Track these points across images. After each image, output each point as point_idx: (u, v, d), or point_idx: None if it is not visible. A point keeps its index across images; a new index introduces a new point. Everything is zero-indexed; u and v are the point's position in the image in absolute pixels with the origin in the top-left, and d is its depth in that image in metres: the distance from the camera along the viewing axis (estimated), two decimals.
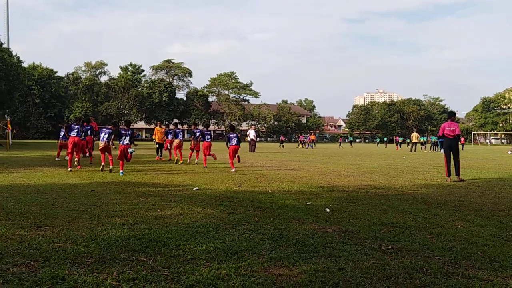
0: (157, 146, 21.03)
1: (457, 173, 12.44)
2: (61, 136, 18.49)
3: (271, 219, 6.43)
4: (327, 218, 6.56)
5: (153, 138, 22.01)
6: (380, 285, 3.75)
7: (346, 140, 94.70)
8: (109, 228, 5.65)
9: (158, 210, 7.02)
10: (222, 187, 10.20)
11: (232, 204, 7.68)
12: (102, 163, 13.82)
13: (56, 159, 19.06)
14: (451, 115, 13.25)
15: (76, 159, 14.56)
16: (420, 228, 5.96)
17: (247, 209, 7.22)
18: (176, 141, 18.19)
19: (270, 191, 9.58)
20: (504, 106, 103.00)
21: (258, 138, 34.61)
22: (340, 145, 63.35)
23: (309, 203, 7.98)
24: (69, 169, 13.86)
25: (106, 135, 13.87)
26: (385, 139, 76.17)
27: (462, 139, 57.47)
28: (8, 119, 37.60)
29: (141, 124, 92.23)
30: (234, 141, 14.75)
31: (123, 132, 13.43)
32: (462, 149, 45.27)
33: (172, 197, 8.52)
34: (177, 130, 19.18)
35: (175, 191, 9.32)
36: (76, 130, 14.54)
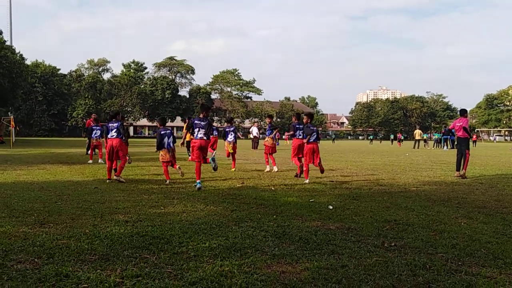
0: (186, 145, 17.40)
1: (458, 168, 12.52)
2: (95, 134, 16.35)
3: (274, 216, 6.43)
4: (330, 215, 6.55)
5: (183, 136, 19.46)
6: (383, 282, 3.74)
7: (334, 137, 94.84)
8: (112, 225, 5.66)
9: (161, 207, 7.03)
10: (225, 184, 10.21)
11: (235, 201, 7.69)
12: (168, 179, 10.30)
13: (100, 160, 16.30)
14: (463, 112, 13.43)
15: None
16: (423, 225, 5.95)
17: (250, 206, 7.22)
18: (226, 144, 14.05)
19: (273, 188, 9.58)
20: (508, 103, 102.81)
21: (260, 135, 34.59)
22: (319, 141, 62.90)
23: (312, 200, 7.98)
24: (107, 180, 10.57)
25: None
26: (380, 136, 75.74)
27: (474, 136, 57.02)
28: (12, 117, 37.71)
29: (144, 121, 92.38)
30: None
31: (196, 122, 9.58)
32: (474, 146, 44.94)
33: (175, 194, 8.53)
34: (227, 129, 14.35)
35: (178, 188, 9.34)
36: (115, 130, 11.39)
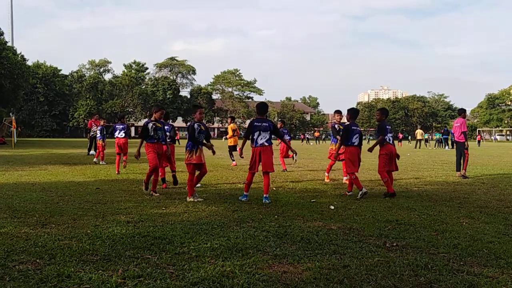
0: (229, 149, 16.26)
1: (459, 168, 12.57)
2: (98, 136, 16.49)
3: (276, 216, 6.43)
4: (332, 216, 6.55)
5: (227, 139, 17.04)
6: (385, 282, 3.74)
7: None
8: (114, 225, 5.67)
9: (163, 208, 7.04)
10: (226, 184, 10.21)
11: (236, 202, 7.69)
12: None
13: (95, 159, 16.50)
14: (460, 112, 13.41)
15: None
16: (425, 225, 5.95)
17: (251, 207, 7.22)
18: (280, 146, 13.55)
19: (274, 188, 9.58)
20: (509, 103, 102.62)
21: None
22: (302, 141, 59.74)
23: (314, 200, 7.97)
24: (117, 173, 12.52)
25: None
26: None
27: (479, 136, 57.36)
28: (13, 118, 37.76)
29: (144, 121, 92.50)
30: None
31: (257, 124, 7.93)
32: (478, 146, 45.29)
33: (177, 194, 8.54)
34: (284, 130, 13.93)
35: (180, 189, 9.33)
36: (124, 131, 12.92)
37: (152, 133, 8.53)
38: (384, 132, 8.77)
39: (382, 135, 8.75)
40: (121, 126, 13.63)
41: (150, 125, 8.57)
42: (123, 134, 13.42)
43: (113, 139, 14.22)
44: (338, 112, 11.44)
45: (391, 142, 8.87)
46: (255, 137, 7.85)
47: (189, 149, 7.93)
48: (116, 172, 12.64)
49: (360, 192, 8.29)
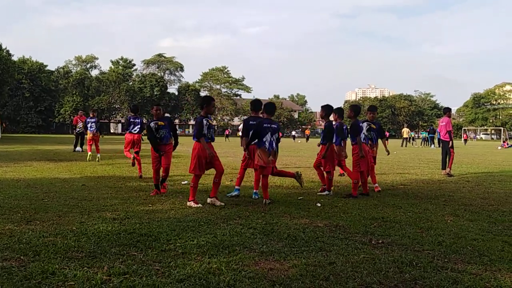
0: None
1: (444, 167, 12.74)
2: (92, 128, 15.68)
3: (263, 213, 6.44)
4: (318, 213, 6.58)
5: None
6: (370, 279, 3.77)
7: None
8: (99, 222, 5.62)
9: (149, 205, 7.00)
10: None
11: (223, 199, 7.67)
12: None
13: (88, 159, 15.29)
14: (446, 111, 13.55)
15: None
16: (410, 223, 6.00)
17: (238, 204, 7.22)
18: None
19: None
20: (494, 102, 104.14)
21: None
22: (294, 139, 61.45)
23: (301, 197, 8.00)
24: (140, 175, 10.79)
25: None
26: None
27: (465, 135, 58.28)
28: None
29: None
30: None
31: (252, 122, 7.92)
32: (465, 145, 46.10)
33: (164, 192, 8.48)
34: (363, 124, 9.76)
35: (167, 186, 9.27)
36: (138, 126, 11.29)
37: (206, 132, 7.24)
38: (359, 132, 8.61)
39: (357, 135, 8.53)
40: (137, 120, 11.71)
41: (204, 122, 7.24)
42: (137, 130, 11.59)
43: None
44: (371, 109, 10.19)
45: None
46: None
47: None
48: (139, 175, 10.88)
49: (326, 192, 8.53)
